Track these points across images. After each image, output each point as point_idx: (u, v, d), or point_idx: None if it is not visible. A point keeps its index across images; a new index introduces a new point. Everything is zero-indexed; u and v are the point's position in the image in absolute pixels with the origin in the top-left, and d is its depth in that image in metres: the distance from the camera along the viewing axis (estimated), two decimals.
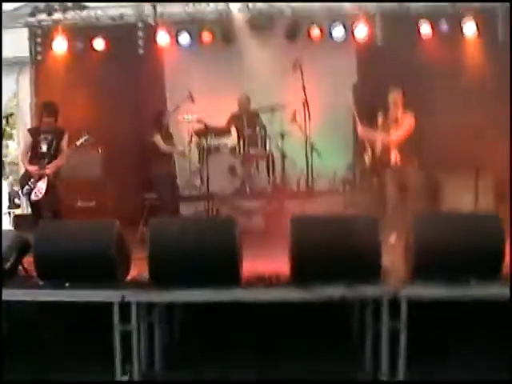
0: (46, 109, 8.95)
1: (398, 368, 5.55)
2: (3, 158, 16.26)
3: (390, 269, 6.21)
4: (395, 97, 8.36)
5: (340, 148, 11.53)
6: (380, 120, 8.60)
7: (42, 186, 8.30)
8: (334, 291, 5.60)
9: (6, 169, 24.28)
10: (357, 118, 8.70)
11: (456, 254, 5.70)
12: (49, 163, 8.48)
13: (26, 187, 8.36)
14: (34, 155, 8.62)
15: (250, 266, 6.52)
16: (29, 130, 9.12)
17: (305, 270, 5.84)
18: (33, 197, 8.33)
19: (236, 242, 5.90)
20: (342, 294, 5.59)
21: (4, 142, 10.33)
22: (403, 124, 8.43)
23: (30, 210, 9.14)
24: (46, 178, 8.36)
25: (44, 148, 8.61)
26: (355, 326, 6.25)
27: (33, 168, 8.49)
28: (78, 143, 8.83)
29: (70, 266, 5.97)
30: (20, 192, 8.75)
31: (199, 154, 10.91)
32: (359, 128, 8.71)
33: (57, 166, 8.57)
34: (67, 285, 5.99)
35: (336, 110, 11.47)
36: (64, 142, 8.72)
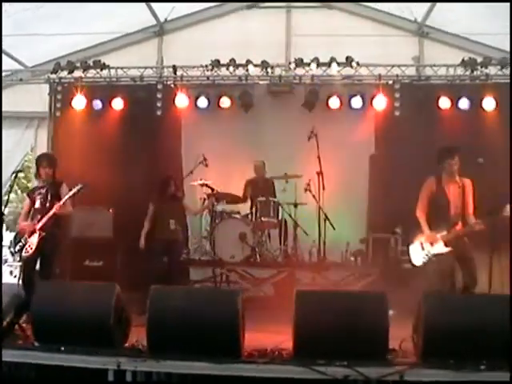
0: (41, 160, 8.57)
1: None
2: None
3: (397, 349, 6.02)
4: (454, 162, 7.87)
5: (354, 219, 11.35)
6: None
7: (33, 240, 7.92)
8: (336, 371, 5.40)
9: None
10: (424, 226, 8.16)
11: (466, 337, 5.55)
12: (42, 218, 8.06)
13: (19, 244, 8.08)
14: (31, 214, 8.26)
15: (254, 336, 6.42)
16: (27, 194, 8.73)
17: (308, 346, 5.71)
18: (23, 253, 7.95)
19: (238, 316, 5.80)
20: (345, 373, 5.38)
21: (21, 196, 10.15)
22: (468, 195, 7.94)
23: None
24: (37, 234, 7.94)
25: (37, 204, 8.25)
26: None
27: (23, 225, 8.20)
28: (70, 193, 8.13)
29: (67, 330, 5.93)
30: (13, 250, 8.33)
31: (211, 219, 10.83)
32: (425, 234, 8.12)
33: (48, 218, 8.01)
34: (62, 348, 5.89)
35: (351, 180, 11.52)
36: (62, 192, 8.21)
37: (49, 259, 8.10)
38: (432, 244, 7.79)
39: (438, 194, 7.89)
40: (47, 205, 8.15)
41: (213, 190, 10.31)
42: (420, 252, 7.91)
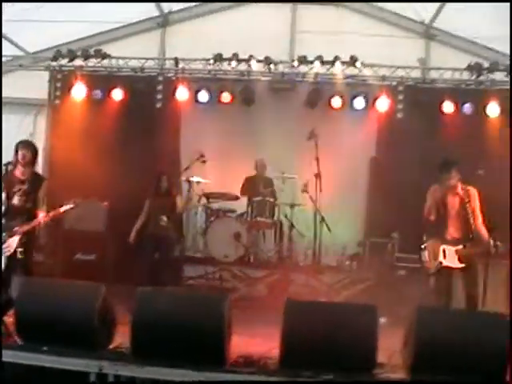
0: (20, 146, 7.43)
1: None
2: None
3: (386, 363, 5.88)
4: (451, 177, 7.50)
5: (351, 222, 11.24)
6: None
7: (12, 244, 7.07)
8: None
9: None
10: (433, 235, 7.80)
11: (457, 355, 5.36)
12: (27, 220, 7.24)
13: None
14: (9, 210, 7.25)
15: (243, 340, 6.36)
16: (2, 179, 7.58)
17: (295, 357, 5.54)
18: (2, 254, 7.06)
19: (223, 323, 5.64)
20: None
21: None
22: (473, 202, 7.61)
23: None
24: (17, 237, 7.10)
25: (17, 201, 7.28)
26: None
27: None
28: (61, 210, 7.46)
29: (50, 329, 5.78)
30: None
31: (206, 217, 10.73)
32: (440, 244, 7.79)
33: (30, 226, 7.22)
34: (45, 348, 5.74)
35: (350, 183, 11.37)
36: (42, 193, 7.36)
37: (28, 256, 7.34)
38: (445, 256, 7.39)
39: (439, 205, 7.57)
40: (27, 205, 7.34)
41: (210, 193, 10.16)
42: (433, 260, 7.47)
